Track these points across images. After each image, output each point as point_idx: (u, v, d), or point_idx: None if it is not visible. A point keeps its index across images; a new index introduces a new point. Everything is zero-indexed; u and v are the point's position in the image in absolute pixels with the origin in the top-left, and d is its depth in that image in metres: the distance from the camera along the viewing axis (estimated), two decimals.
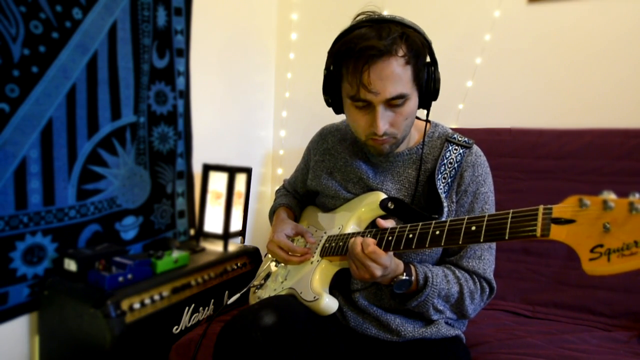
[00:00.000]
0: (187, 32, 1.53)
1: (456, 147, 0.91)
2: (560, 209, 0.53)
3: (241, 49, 1.86)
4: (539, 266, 1.36)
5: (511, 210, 0.60)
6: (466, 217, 0.67)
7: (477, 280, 0.87)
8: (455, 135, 0.93)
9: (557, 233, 0.53)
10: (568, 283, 1.31)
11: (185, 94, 1.56)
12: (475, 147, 0.92)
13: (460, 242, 0.66)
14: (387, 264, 0.77)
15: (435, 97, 0.86)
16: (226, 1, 1.73)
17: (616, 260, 0.47)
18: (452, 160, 0.89)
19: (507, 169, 1.44)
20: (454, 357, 0.88)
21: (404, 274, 0.82)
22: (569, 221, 0.51)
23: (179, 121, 1.53)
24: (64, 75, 1.15)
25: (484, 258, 0.88)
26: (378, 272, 0.77)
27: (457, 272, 0.87)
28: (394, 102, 0.80)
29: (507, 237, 0.59)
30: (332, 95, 0.89)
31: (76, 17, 1.16)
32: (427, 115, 0.92)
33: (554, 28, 1.55)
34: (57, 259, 1.18)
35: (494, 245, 0.91)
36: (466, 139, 0.93)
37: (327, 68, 0.87)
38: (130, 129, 1.35)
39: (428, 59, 0.84)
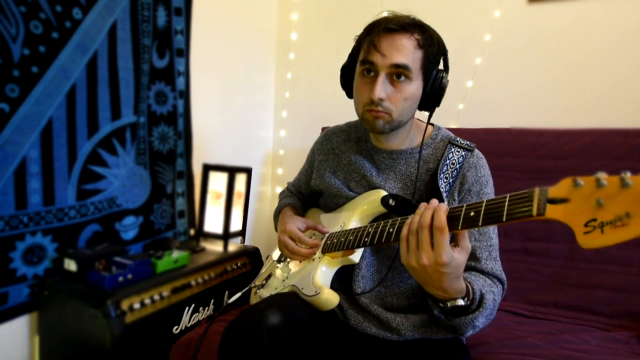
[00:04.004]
0: (187, 32, 1.53)
1: (458, 150, 0.93)
2: (555, 190, 0.55)
3: (241, 49, 1.86)
4: (539, 266, 1.36)
5: (508, 194, 0.61)
6: (465, 204, 0.67)
7: (497, 283, 0.87)
8: (458, 139, 0.96)
9: (553, 212, 0.54)
10: (568, 283, 1.31)
11: (185, 94, 1.56)
12: (476, 150, 0.95)
13: (459, 228, 0.65)
14: (445, 259, 0.65)
15: (438, 102, 0.92)
16: (226, 1, 1.73)
17: (609, 231, 0.48)
18: (454, 161, 0.92)
19: (507, 169, 1.44)
20: (454, 358, 0.88)
21: (465, 298, 0.74)
22: (564, 200, 0.53)
23: (179, 121, 1.53)
24: (64, 75, 1.15)
25: (497, 259, 0.89)
26: (425, 260, 0.66)
27: (487, 279, 0.85)
28: (397, 72, 0.84)
29: (504, 219, 0.60)
30: (347, 76, 0.95)
31: (76, 17, 1.16)
32: (429, 118, 0.96)
33: (554, 28, 1.55)
34: (57, 259, 1.18)
35: (498, 243, 0.92)
36: (468, 142, 0.95)
37: (352, 51, 0.95)
38: (130, 129, 1.35)
39: (441, 66, 0.91)
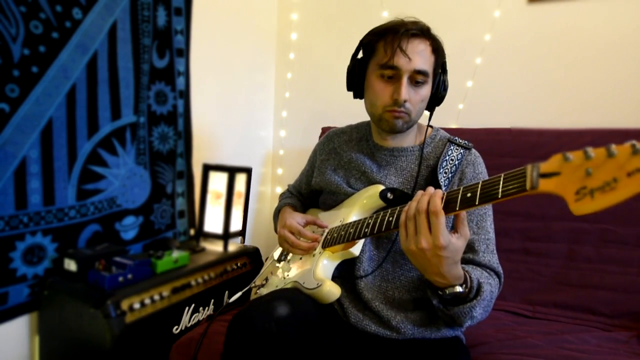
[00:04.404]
0: (187, 32, 1.53)
1: (457, 148, 0.97)
2: (546, 165, 0.57)
3: (241, 49, 1.86)
4: (539, 266, 1.36)
5: (503, 173, 0.64)
6: (462, 187, 0.69)
7: (494, 276, 0.88)
8: (456, 138, 1.00)
9: (545, 185, 0.56)
10: (568, 283, 1.31)
11: (185, 94, 1.56)
12: (473, 149, 0.99)
13: (457, 209, 0.68)
14: (442, 242, 0.68)
15: (439, 102, 0.97)
16: (226, 1, 1.73)
17: (599, 196, 0.50)
18: (453, 158, 0.95)
19: (507, 169, 1.42)
20: (454, 358, 0.88)
21: (463, 285, 0.76)
22: (555, 174, 0.56)
23: (179, 121, 1.53)
24: (64, 75, 1.15)
25: (495, 252, 0.91)
26: (423, 243, 0.69)
27: (484, 272, 0.86)
28: (417, 78, 0.89)
29: (500, 196, 0.62)
30: (356, 77, 0.97)
31: (76, 17, 1.16)
32: (430, 118, 1.01)
33: (554, 28, 1.55)
34: (57, 259, 1.18)
35: (495, 237, 0.93)
36: (466, 141, 0.99)
37: (355, 53, 0.98)
38: (130, 129, 1.35)
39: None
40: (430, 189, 0.73)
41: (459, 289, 0.76)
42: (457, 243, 0.71)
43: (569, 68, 1.54)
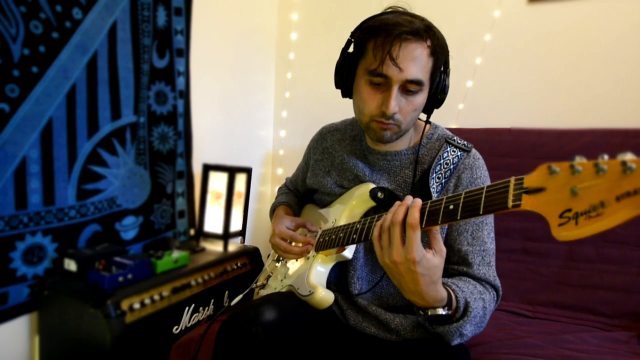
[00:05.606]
0: (187, 32, 1.53)
1: (454, 149, 0.90)
2: (530, 178, 0.52)
3: (241, 49, 1.86)
4: (539, 266, 1.36)
5: (486, 185, 0.59)
6: (445, 197, 0.65)
7: (490, 290, 0.85)
8: (455, 138, 0.93)
9: (528, 203, 0.51)
10: (568, 283, 1.31)
11: (185, 94, 1.56)
12: (473, 151, 0.92)
13: (439, 222, 0.63)
14: (415, 256, 0.64)
15: (439, 105, 0.89)
16: (226, 1, 1.73)
17: (584, 223, 0.45)
18: (448, 161, 0.89)
19: (507, 169, 1.44)
20: (454, 358, 0.88)
21: (446, 308, 0.72)
22: (540, 189, 0.50)
23: (179, 121, 1.53)
24: (64, 75, 1.15)
25: (492, 264, 0.87)
26: (395, 256, 0.66)
27: (478, 286, 0.83)
28: (410, 87, 0.81)
29: (481, 212, 0.58)
30: (345, 76, 0.89)
31: (76, 17, 1.16)
32: (428, 118, 0.93)
33: (554, 28, 1.55)
34: (57, 259, 1.18)
35: (494, 248, 0.90)
36: (465, 142, 0.92)
37: (345, 47, 0.90)
38: (130, 129, 1.35)
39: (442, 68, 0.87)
40: (408, 199, 0.68)
41: (440, 311, 0.71)
42: (432, 260, 0.66)
43: (569, 68, 1.54)
